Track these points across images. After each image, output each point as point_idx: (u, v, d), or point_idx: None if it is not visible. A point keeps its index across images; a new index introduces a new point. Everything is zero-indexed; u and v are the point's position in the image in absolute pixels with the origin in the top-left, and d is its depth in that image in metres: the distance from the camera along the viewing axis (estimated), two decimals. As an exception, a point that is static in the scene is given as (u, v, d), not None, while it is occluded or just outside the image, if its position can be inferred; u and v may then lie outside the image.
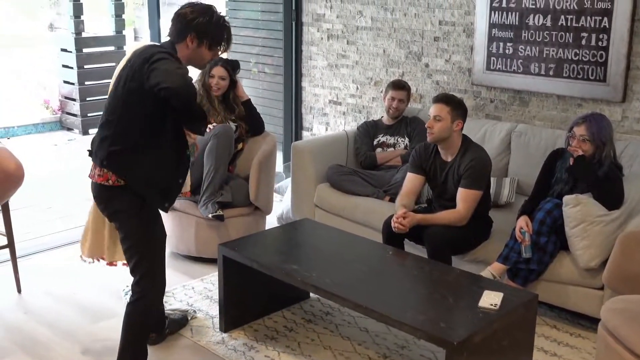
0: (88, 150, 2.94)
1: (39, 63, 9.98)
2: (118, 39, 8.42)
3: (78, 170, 6.60)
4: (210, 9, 2.78)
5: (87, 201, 5.51)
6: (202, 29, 2.73)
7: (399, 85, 4.58)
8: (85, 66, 8.14)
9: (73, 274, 4.17)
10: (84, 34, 8.14)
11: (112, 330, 3.49)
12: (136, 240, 2.88)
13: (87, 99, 8.19)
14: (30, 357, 3.25)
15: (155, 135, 2.74)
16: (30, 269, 4.21)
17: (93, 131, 8.12)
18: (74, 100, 8.20)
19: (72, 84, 8.16)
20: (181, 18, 2.75)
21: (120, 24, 8.43)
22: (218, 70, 4.29)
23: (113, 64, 8.32)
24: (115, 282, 4.04)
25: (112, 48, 8.39)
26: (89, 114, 8.23)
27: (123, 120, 2.75)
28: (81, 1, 8.05)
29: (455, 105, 3.57)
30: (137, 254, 2.88)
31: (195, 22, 2.72)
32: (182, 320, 3.50)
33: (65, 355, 3.27)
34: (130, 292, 3.81)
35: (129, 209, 2.83)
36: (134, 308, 2.92)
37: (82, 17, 8.07)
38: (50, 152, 7.52)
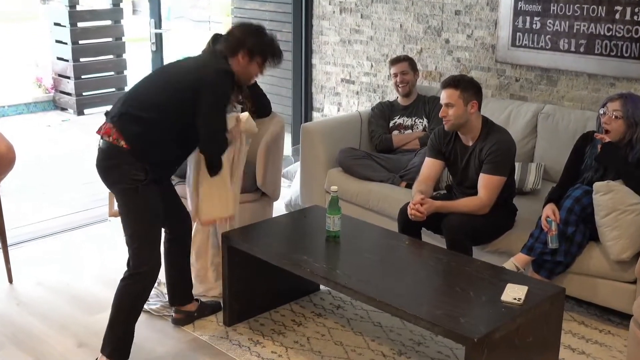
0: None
1: (30, 38, 10.01)
2: (115, 13, 8.42)
3: (73, 152, 6.66)
4: (261, 28, 3.20)
5: (82, 185, 5.58)
6: (255, 47, 3.12)
7: (397, 59, 4.68)
8: (80, 41, 8.14)
9: (67, 264, 4.21)
10: (78, 7, 8.14)
11: (109, 323, 3.54)
12: (132, 216, 3.05)
13: (82, 76, 8.20)
14: (22, 351, 3.29)
15: (176, 133, 3.08)
16: (22, 257, 4.24)
17: (88, 111, 8.23)
18: (68, 78, 8.21)
19: (66, 60, 8.16)
20: (234, 35, 3.16)
21: (117, -4, 8.43)
22: None
23: (110, 39, 8.36)
24: (110, 272, 4.05)
25: (108, 22, 8.39)
26: (84, 93, 8.25)
27: (156, 112, 3.02)
28: (76, -29, 8.06)
29: (465, 86, 3.54)
30: (126, 233, 3.06)
31: (247, 40, 3.11)
32: (216, 307, 3.61)
33: (60, 349, 3.30)
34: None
35: (128, 181, 2.99)
36: (125, 284, 3.08)
37: (77, -11, 8.09)
38: (43, 133, 7.56)
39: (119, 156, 2.96)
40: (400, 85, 4.60)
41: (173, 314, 3.52)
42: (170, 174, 3.36)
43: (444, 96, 3.55)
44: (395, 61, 4.66)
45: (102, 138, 3.01)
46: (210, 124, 3.04)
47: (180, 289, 3.50)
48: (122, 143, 2.93)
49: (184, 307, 3.50)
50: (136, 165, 2.95)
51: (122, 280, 3.08)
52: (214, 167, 3.21)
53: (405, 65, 4.61)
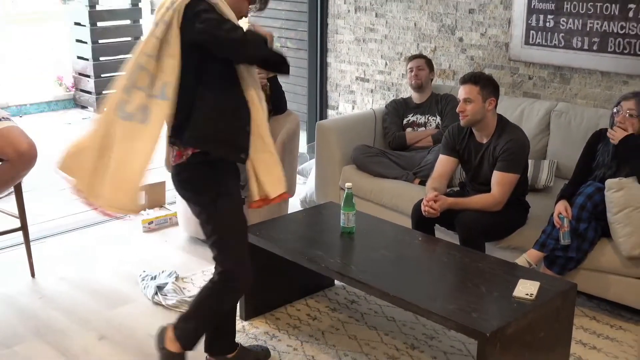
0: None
1: (51, 38, 10.06)
2: (134, 12, 8.44)
3: (93, 150, 6.70)
4: None
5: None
6: None
7: (414, 57, 4.70)
8: (100, 41, 8.17)
9: (88, 258, 4.25)
10: (98, 7, 8.17)
11: (129, 316, 3.57)
12: (211, 231, 2.76)
13: (102, 75, 8.20)
14: (45, 344, 3.32)
15: (202, 84, 2.66)
16: (44, 253, 4.28)
17: (108, 109, 8.24)
18: (88, 76, 8.25)
19: (86, 59, 8.19)
20: None
21: (136, -4, 8.47)
22: None
23: (129, 39, 8.38)
24: (131, 266, 4.11)
25: (127, 22, 8.41)
26: (104, 91, 8.28)
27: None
28: (95, -28, 8.10)
29: (484, 83, 3.55)
30: (216, 247, 2.78)
31: None
32: (260, 355, 3.19)
33: (82, 343, 3.33)
34: (149, 279, 3.90)
35: (208, 191, 2.73)
36: (212, 287, 2.82)
37: (97, -11, 8.13)
38: (64, 131, 7.60)
39: (195, 166, 2.69)
40: (415, 81, 4.60)
41: (207, 356, 3.07)
42: (245, 140, 2.76)
43: (463, 92, 3.55)
44: (412, 57, 4.69)
45: (178, 166, 2.73)
46: (217, 32, 2.53)
47: (223, 333, 3.07)
48: (189, 151, 2.67)
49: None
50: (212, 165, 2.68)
51: (210, 281, 2.84)
52: (278, 65, 2.69)
53: (422, 61, 4.63)
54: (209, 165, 2.69)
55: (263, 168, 2.80)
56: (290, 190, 2.93)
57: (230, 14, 2.60)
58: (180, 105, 2.62)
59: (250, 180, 2.80)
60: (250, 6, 2.78)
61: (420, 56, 4.70)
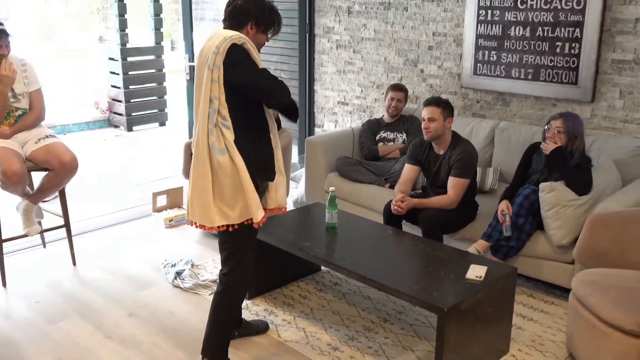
0: None
1: (90, 70, 10.02)
2: (157, 49, 8.42)
3: (123, 161, 6.66)
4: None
5: (132, 187, 5.58)
6: (256, 17, 2.58)
7: (398, 87, 4.58)
8: (130, 72, 8.15)
9: (119, 250, 4.20)
10: (128, 45, 8.15)
11: (153, 297, 3.53)
12: (231, 234, 2.58)
13: (131, 100, 8.22)
14: (84, 320, 3.28)
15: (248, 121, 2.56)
16: (84, 245, 4.23)
17: (137, 128, 8.25)
18: (120, 101, 8.22)
19: (119, 87, 8.17)
20: (239, 9, 2.59)
21: (159, 36, 8.42)
22: None
23: (153, 71, 8.36)
24: (156, 256, 4.07)
25: (152, 57, 8.39)
26: (132, 113, 8.26)
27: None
28: (126, 17, 8.06)
29: (445, 106, 3.55)
30: (228, 248, 2.64)
31: (252, 10, 2.57)
32: (260, 327, 3.15)
33: (115, 319, 3.29)
34: (170, 266, 3.86)
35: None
36: (220, 298, 2.68)
37: (127, 31, 8.09)
38: (100, 146, 7.55)
39: None
40: (391, 109, 4.57)
41: None
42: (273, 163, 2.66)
43: (428, 112, 3.53)
44: (395, 89, 4.56)
45: None
46: (258, 85, 2.47)
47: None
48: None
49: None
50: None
51: (217, 294, 2.70)
52: (292, 113, 2.64)
53: (402, 95, 4.55)
54: None
55: (278, 185, 2.68)
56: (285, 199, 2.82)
57: (255, 52, 2.49)
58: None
59: (270, 193, 2.66)
60: (266, 36, 2.68)
61: (401, 89, 4.57)
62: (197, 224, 2.58)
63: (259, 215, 2.53)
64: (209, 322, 2.73)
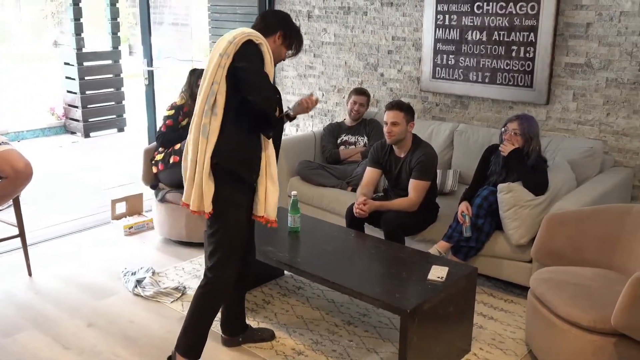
0: None
1: (45, 76, 9.79)
2: (114, 54, 8.29)
3: (80, 168, 6.52)
4: (290, 17, 2.76)
5: (89, 194, 5.46)
6: (288, 30, 2.69)
7: (361, 91, 4.61)
8: (86, 77, 8.00)
9: (77, 259, 4.11)
10: (84, 50, 8.00)
11: (113, 306, 3.46)
12: (215, 229, 2.62)
13: (88, 106, 8.06)
14: (41, 332, 3.19)
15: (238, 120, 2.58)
16: (39, 255, 4.12)
17: (94, 134, 8.09)
18: (76, 107, 8.05)
19: (75, 93, 8.01)
20: (272, 17, 2.73)
21: (116, 40, 8.30)
22: None
23: (111, 75, 8.23)
24: (115, 264, 3.99)
25: (109, 62, 8.25)
26: (89, 119, 8.10)
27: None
28: (82, 21, 7.92)
29: (407, 110, 3.58)
30: (215, 242, 2.63)
31: (284, 23, 2.69)
32: (265, 335, 3.09)
33: (73, 330, 3.21)
34: (130, 274, 3.79)
35: (218, 196, 2.59)
36: (202, 293, 2.67)
37: (83, 35, 7.95)
38: (56, 153, 7.38)
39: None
40: (353, 113, 4.59)
41: (223, 335, 3.04)
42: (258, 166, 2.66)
43: (391, 116, 3.54)
44: (358, 92, 4.58)
45: None
46: (251, 80, 2.49)
47: (233, 318, 3.02)
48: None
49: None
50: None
51: (199, 288, 2.69)
52: (268, 125, 2.60)
53: (365, 99, 4.58)
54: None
55: (269, 194, 2.68)
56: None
57: (269, 57, 2.55)
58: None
59: (259, 199, 2.67)
60: (287, 52, 2.75)
61: (364, 93, 4.59)
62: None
63: (206, 209, 2.56)
64: (186, 317, 2.71)
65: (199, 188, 2.56)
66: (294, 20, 2.79)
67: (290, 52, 2.75)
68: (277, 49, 2.67)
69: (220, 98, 2.50)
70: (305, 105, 2.80)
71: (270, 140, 2.68)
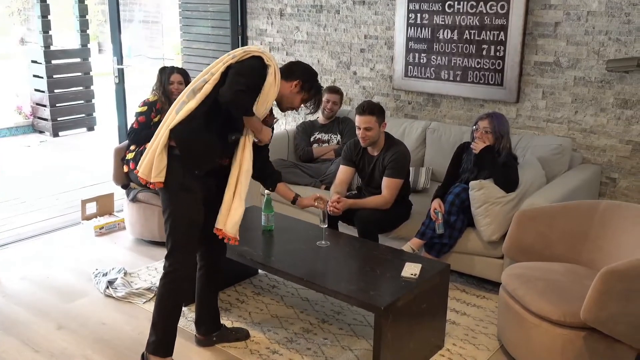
0: None
1: (11, 73, 9.58)
2: (83, 52, 8.15)
3: (49, 168, 6.40)
4: (317, 76, 2.83)
5: (58, 195, 5.37)
6: (308, 82, 2.75)
7: (334, 90, 4.61)
8: (54, 76, 7.85)
9: (46, 260, 4.03)
10: (52, 47, 7.84)
11: (84, 307, 3.41)
12: (168, 213, 2.61)
13: (57, 105, 7.91)
14: (10, 336, 3.13)
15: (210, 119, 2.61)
16: (7, 257, 4.04)
17: (63, 133, 7.94)
18: (44, 106, 7.90)
19: (43, 91, 7.85)
20: (298, 65, 2.79)
21: (85, 38, 8.16)
22: (176, 77, 4.23)
23: (80, 74, 8.09)
24: (86, 265, 3.93)
25: (78, 60, 8.10)
26: (58, 118, 7.95)
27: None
28: (49, 18, 7.76)
29: (378, 112, 3.56)
30: (169, 226, 2.62)
31: (307, 77, 2.76)
32: (240, 334, 3.08)
33: (43, 333, 3.15)
34: (101, 275, 3.74)
35: (169, 179, 2.59)
36: (163, 284, 2.66)
37: (51, 32, 7.79)
38: (24, 152, 7.22)
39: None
40: (327, 111, 4.59)
41: (196, 335, 3.03)
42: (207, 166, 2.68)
43: (364, 122, 3.51)
44: (332, 91, 4.58)
45: None
46: (231, 81, 2.52)
47: (207, 317, 3.01)
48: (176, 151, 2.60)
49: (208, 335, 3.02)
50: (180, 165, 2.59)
51: (159, 280, 2.68)
52: (231, 128, 2.62)
53: (338, 97, 4.58)
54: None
55: (233, 210, 2.69)
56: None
57: (271, 81, 2.58)
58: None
59: (222, 210, 2.68)
60: (302, 104, 2.78)
61: (337, 91, 4.59)
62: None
63: (152, 179, 2.57)
64: (153, 314, 2.70)
65: (152, 156, 2.58)
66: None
67: (307, 108, 2.82)
68: (290, 94, 2.73)
69: (207, 86, 2.56)
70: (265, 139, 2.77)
71: (248, 158, 2.68)
